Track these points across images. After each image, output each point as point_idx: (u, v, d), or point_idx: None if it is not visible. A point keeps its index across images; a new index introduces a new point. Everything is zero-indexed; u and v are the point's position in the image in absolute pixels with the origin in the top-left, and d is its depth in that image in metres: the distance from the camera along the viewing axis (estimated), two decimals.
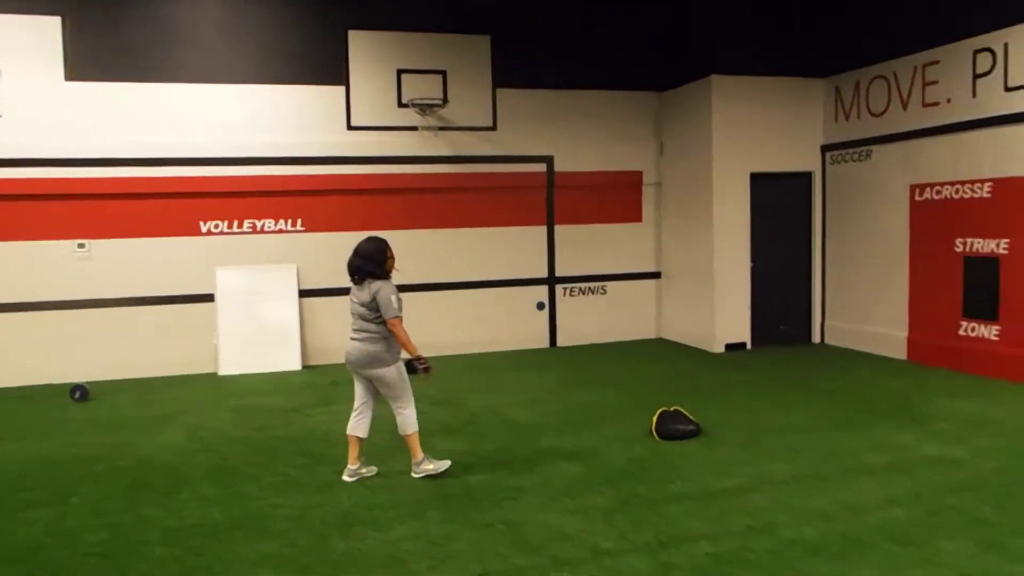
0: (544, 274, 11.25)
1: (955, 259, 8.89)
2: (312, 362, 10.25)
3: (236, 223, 9.99)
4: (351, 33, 10.17)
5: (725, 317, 10.57)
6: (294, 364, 10.00)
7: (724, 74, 10.26)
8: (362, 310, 5.51)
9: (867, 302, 10.18)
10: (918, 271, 9.40)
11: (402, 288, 10.17)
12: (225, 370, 9.74)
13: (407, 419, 5.63)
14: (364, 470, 5.76)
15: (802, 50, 10.56)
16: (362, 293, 5.51)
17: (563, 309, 11.33)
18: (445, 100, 10.36)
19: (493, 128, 10.81)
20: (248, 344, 9.85)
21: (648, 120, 11.55)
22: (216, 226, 9.93)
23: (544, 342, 11.31)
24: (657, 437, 6.41)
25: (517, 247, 11.08)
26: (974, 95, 8.56)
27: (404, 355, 5.63)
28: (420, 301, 10.65)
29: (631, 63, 11.38)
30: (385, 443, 6.56)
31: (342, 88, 10.22)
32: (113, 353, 9.61)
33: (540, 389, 8.53)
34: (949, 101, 8.87)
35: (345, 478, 5.69)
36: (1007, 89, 8.19)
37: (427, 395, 8.29)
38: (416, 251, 10.62)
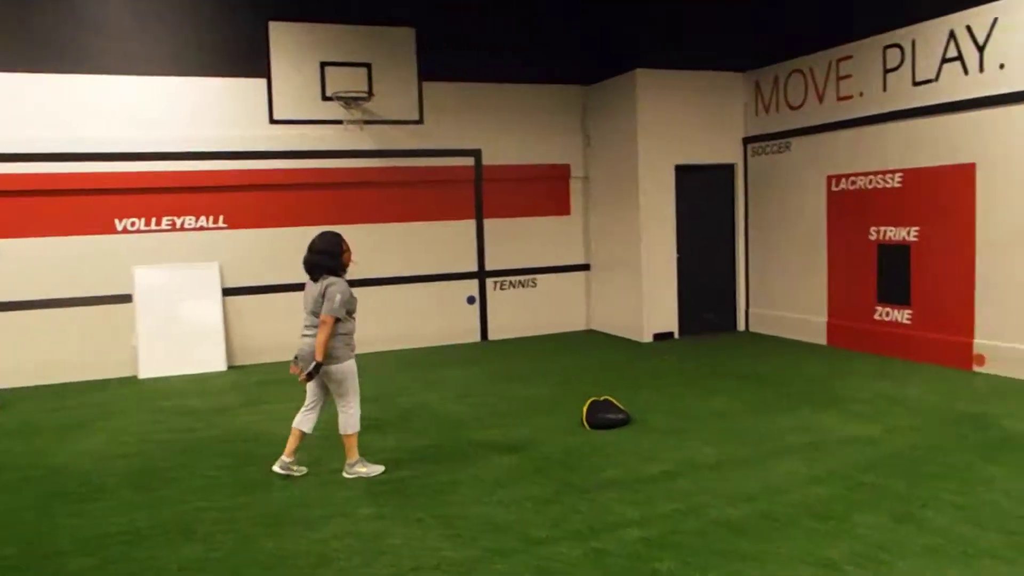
0: (474, 268, 11.25)
1: (869, 247, 9.22)
2: (238, 362, 10.04)
3: (154, 220, 9.70)
4: (272, 24, 9.95)
5: (653, 307, 10.74)
6: (219, 365, 9.77)
7: (648, 68, 10.41)
8: (314, 306, 5.41)
9: (789, 290, 10.48)
10: (836, 259, 9.72)
11: None
12: (146, 373, 9.46)
13: (350, 419, 5.56)
14: (295, 468, 5.68)
15: (723, 45, 10.78)
16: (315, 289, 5.41)
17: (494, 303, 11.35)
18: (370, 93, 10.25)
19: (420, 122, 10.74)
20: (170, 345, 9.58)
21: (575, 114, 11.64)
22: (133, 224, 9.61)
23: (475, 336, 11.31)
24: (588, 427, 6.48)
25: (446, 241, 11.05)
26: (884, 89, 8.88)
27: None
28: None
29: (557, 57, 11.45)
30: (317, 442, 6.48)
31: (263, 81, 10.01)
32: (25, 358, 9.21)
33: (472, 383, 8.53)
34: (861, 95, 9.18)
35: (275, 468, 5.62)
36: (915, 84, 8.51)
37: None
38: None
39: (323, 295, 5.33)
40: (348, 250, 5.55)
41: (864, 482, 5.05)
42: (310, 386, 5.63)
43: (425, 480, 5.46)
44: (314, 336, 5.37)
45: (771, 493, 4.93)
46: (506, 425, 6.77)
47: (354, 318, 5.54)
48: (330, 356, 5.37)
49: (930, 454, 5.55)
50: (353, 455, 5.61)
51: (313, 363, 5.31)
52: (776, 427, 6.36)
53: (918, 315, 8.68)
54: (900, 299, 8.87)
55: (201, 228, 9.92)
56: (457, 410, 7.39)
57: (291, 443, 5.63)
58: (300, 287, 10.07)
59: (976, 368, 8.02)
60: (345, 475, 5.61)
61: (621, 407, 6.66)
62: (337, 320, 5.32)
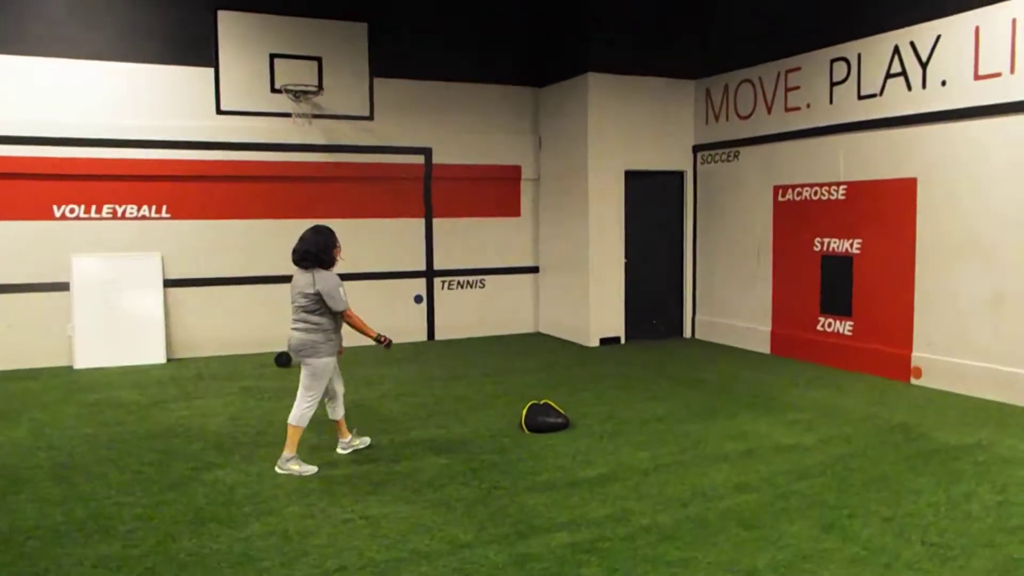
0: (422, 267, 11.16)
1: (814, 258, 9.33)
2: (178, 355, 9.83)
3: (95, 208, 9.45)
4: (221, 13, 9.77)
5: (600, 312, 10.76)
6: (158, 357, 9.55)
7: (600, 72, 10.42)
8: (304, 301, 5.48)
9: (734, 298, 10.58)
10: (780, 269, 9.83)
11: (274, 279, 10.04)
12: (81, 363, 9.20)
13: (304, 413, 5.59)
14: (357, 441, 6.03)
15: (675, 51, 10.85)
16: (304, 280, 5.48)
17: (441, 302, 11.27)
18: (320, 87, 10.11)
19: (370, 118, 10.62)
20: (107, 336, 9.34)
21: (527, 115, 11.62)
22: (72, 211, 9.36)
23: (422, 335, 11.22)
24: (526, 430, 6.44)
25: (394, 239, 10.94)
26: (831, 102, 9.00)
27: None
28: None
29: (511, 58, 11.42)
30: (249, 439, 6.36)
31: (211, 70, 9.81)
32: None
33: (413, 382, 8.45)
34: (809, 106, 9.30)
35: (339, 451, 5.95)
36: (860, 97, 8.64)
37: (296, 389, 8.06)
38: (288, 242, 10.20)
39: (317, 293, 5.41)
40: (339, 246, 5.66)
41: (795, 491, 5.09)
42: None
43: (356, 480, 5.38)
44: (303, 330, 5.49)
45: (703, 499, 4.94)
46: (443, 425, 6.71)
47: (338, 317, 5.62)
48: (314, 350, 5.49)
49: (861, 464, 5.61)
50: (292, 449, 5.56)
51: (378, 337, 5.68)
52: (713, 433, 6.39)
53: (859, 327, 8.81)
54: (842, 310, 8.99)
55: (143, 217, 9.69)
56: (394, 409, 7.30)
57: (340, 429, 5.99)
58: (243, 280, 10.08)
59: (913, 380, 8.15)
60: (277, 470, 5.54)
61: (561, 411, 6.63)
62: (335, 314, 5.52)
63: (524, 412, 6.56)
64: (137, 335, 9.50)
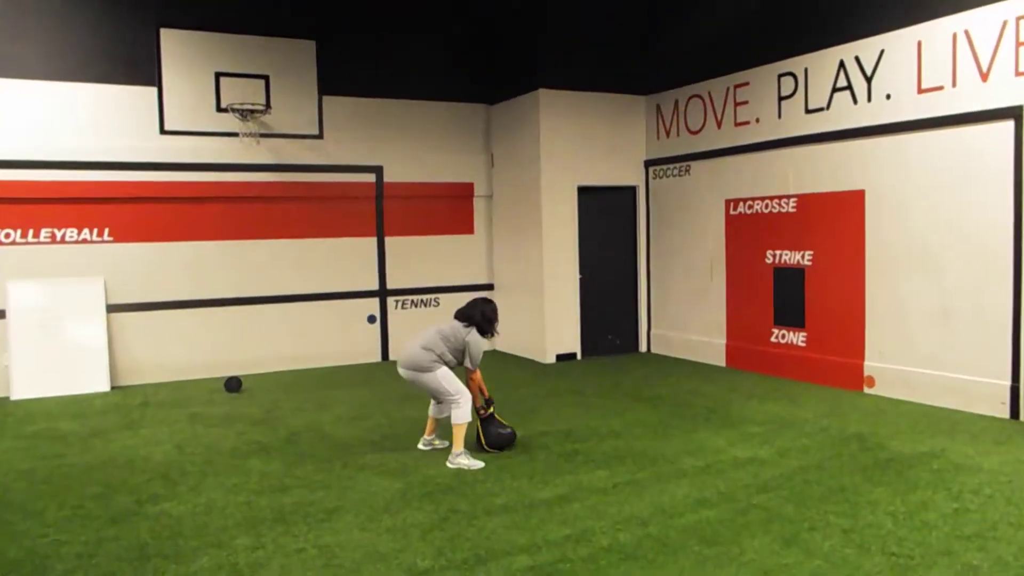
0: (375, 286, 11.00)
1: (766, 270, 9.40)
2: (122, 382, 9.52)
3: (31, 232, 9.14)
4: (164, 31, 9.57)
5: (556, 328, 10.71)
6: (101, 385, 9.24)
7: (550, 88, 10.42)
8: (446, 336, 6.16)
9: (689, 312, 10.60)
10: (734, 282, 9.88)
11: (222, 302, 9.85)
12: (18, 394, 8.86)
13: (461, 412, 6.04)
14: (437, 442, 6.45)
15: (625, 67, 10.90)
16: (453, 332, 6.19)
17: (395, 322, 11.11)
18: (268, 106, 9.95)
19: (319, 136, 10.48)
20: (46, 365, 9.01)
21: (479, 132, 11.57)
22: (7, 235, 9.04)
23: (376, 356, 11.05)
24: (487, 447, 6.32)
25: (346, 259, 10.78)
26: (779, 116, 9.10)
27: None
28: (243, 314, 10.19)
29: (461, 75, 11.38)
30: (197, 467, 6.14)
31: (154, 89, 9.59)
32: None
33: (367, 404, 8.28)
34: (758, 121, 9.39)
35: (420, 446, 6.46)
36: (807, 111, 8.75)
37: (246, 415, 7.90)
38: (238, 262, 10.13)
39: (464, 345, 6.15)
40: (497, 321, 6.35)
41: (754, 505, 5.05)
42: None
43: (309, 507, 5.20)
44: (423, 349, 6.09)
45: (662, 517, 4.87)
46: (397, 448, 6.56)
47: (458, 360, 6.25)
48: (421, 368, 6.08)
49: (819, 476, 5.60)
50: (459, 445, 5.98)
51: (481, 405, 6.39)
52: (671, 449, 6.35)
53: (813, 337, 8.88)
54: (796, 322, 9.06)
55: (84, 241, 9.41)
56: (348, 432, 7.13)
57: (429, 424, 6.48)
58: (191, 303, 9.82)
59: (867, 389, 8.23)
60: (448, 464, 5.98)
61: (505, 423, 6.53)
62: (459, 364, 6.26)
63: (478, 428, 6.43)
64: (78, 363, 9.18)
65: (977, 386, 7.24)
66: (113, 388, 9.34)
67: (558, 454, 6.28)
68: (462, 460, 5.95)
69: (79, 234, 9.37)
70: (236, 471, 6.02)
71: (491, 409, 6.39)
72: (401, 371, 6.22)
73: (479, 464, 5.95)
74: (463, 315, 6.27)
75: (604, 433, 6.89)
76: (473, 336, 6.18)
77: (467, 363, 6.21)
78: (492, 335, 6.33)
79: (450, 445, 6.14)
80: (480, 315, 6.21)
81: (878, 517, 4.79)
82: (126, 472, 6.07)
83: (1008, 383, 7.03)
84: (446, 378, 6.10)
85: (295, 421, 7.60)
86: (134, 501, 5.39)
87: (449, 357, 6.16)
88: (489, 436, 6.36)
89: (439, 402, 6.32)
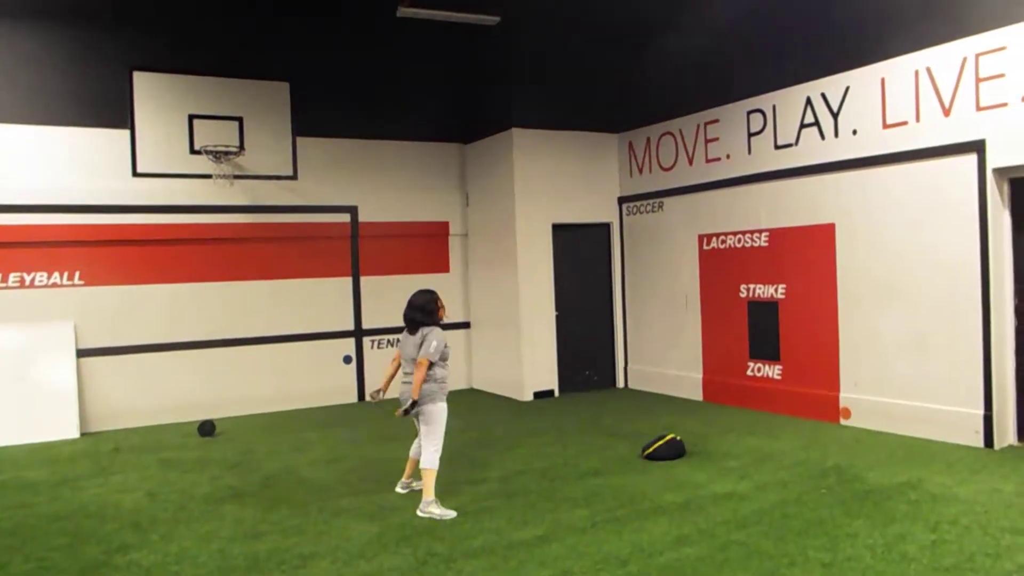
0: (351, 326, 10.94)
1: (740, 304, 9.46)
2: (93, 428, 9.35)
3: (0, 276, 9.02)
4: (136, 74, 9.57)
5: (533, 365, 10.68)
6: (70, 431, 9.06)
7: (524, 127, 10.52)
8: (413, 353, 5.98)
9: (665, 347, 10.63)
10: (709, 316, 9.93)
11: (196, 344, 9.75)
12: None
13: (431, 455, 5.93)
14: (415, 484, 6.32)
15: (597, 106, 11.03)
16: (413, 340, 6.02)
17: (372, 362, 11.03)
18: (241, 147, 9.94)
19: (294, 177, 10.48)
20: (13, 411, 8.83)
21: (454, 171, 11.63)
22: None
23: (352, 396, 10.95)
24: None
25: (322, 299, 10.72)
26: (749, 152, 9.23)
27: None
28: (217, 357, 10.08)
29: (435, 115, 11.46)
30: (169, 515, 6.02)
31: (126, 132, 9.56)
32: None
33: (343, 446, 8.18)
34: (729, 157, 9.51)
35: (398, 490, 6.38)
36: (777, 147, 8.88)
37: (220, 459, 7.77)
38: (212, 304, 10.05)
39: (422, 341, 5.92)
40: (442, 307, 6.21)
41: (733, 541, 5.02)
42: (416, 422, 6.16)
43: (284, 553, 5.11)
44: (412, 382, 5.91)
45: (642, 556, 4.83)
46: (373, 491, 6.47)
47: (447, 366, 6.08)
48: (425, 397, 5.92)
49: (797, 510, 5.59)
50: (429, 493, 5.85)
51: (410, 401, 5.88)
52: (650, 485, 6.31)
53: (788, 370, 8.92)
54: (771, 355, 9.10)
55: (54, 285, 9.29)
56: (324, 475, 7.03)
57: (408, 468, 6.41)
58: (164, 347, 9.69)
59: (843, 421, 8.26)
60: (419, 513, 5.78)
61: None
62: (431, 365, 5.91)
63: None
64: (47, 409, 9.01)
65: (951, 415, 7.29)
66: (83, 434, 9.17)
67: (537, 493, 6.23)
68: (433, 509, 5.76)
69: (49, 278, 9.26)
70: (209, 517, 5.91)
71: (414, 411, 5.93)
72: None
73: (451, 514, 5.73)
74: (409, 325, 6.07)
75: (583, 471, 6.85)
76: (427, 329, 5.97)
77: (421, 351, 5.88)
78: (440, 319, 6.12)
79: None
80: (423, 315, 6.02)
81: (857, 550, 4.78)
82: (95, 521, 5.94)
83: (981, 412, 7.09)
84: (443, 418, 6.00)
85: (270, 464, 7.48)
86: (103, 551, 5.27)
87: (437, 370, 5.99)
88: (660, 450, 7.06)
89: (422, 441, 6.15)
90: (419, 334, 5.99)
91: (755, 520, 5.40)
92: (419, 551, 5.04)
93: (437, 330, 6.00)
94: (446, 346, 6.00)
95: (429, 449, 5.93)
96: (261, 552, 5.14)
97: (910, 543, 4.87)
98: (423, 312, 6.04)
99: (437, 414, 5.96)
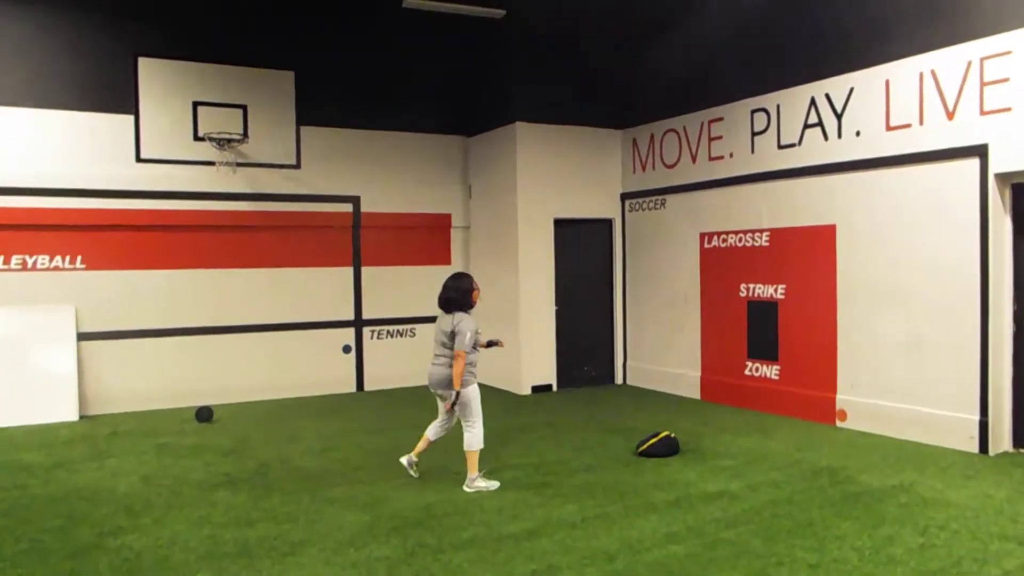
0: (351, 316, 10.96)
1: (740, 303, 9.45)
2: (92, 411, 9.40)
3: (2, 259, 9.06)
4: (141, 60, 9.59)
5: (531, 359, 10.69)
6: (70, 414, 9.11)
7: (528, 121, 10.51)
8: (443, 338, 6.19)
9: (664, 344, 10.63)
10: (708, 315, 9.92)
11: (196, 331, 9.79)
12: None
13: (474, 437, 6.18)
14: (414, 470, 6.46)
15: (601, 101, 11.02)
16: (445, 322, 6.19)
17: (370, 352, 11.07)
18: (245, 135, 9.96)
19: (297, 166, 10.49)
20: (12, 393, 8.88)
21: (457, 164, 11.63)
22: None
23: (351, 386, 10.98)
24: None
25: (322, 288, 10.75)
26: (752, 151, 9.21)
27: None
28: (217, 343, 10.11)
29: (439, 107, 11.46)
30: (163, 500, 6.05)
31: (131, 117, 9.58)
32: None
33: (338, 435, 8.21)
34: (732, 155, 9.49)
35: (401, 460, 6.56)
36: (780, 147, 8.86)
37: (216, 445, 7.81)
38: (213, 291, 10.08)
39: (454, 331, 6.08)
40: (477, 289, 6.35)
41: (722, 539, 5.03)
42: (439, 406, 6.41)
43: (274, 540, 5.13)
44: (443, 365, 6.17)
45: (630, 552, 4.84)
46: (366, 480, 6.49)
47: (478, 350, 6.23)
48: (451, 385, 6.09)
49: (788, 510, 5.60)
50: (473, 470, 6.16)
51: (454, 393, 6.07)
52: (642, 482, 6.32)
53: (786, 371, 8.91)
54: (769, 355, 9.10)
55: (56, 268, 9.33)
56: (317, 464, 7.06)
57: (420, 445, 6.49)
58: (164, 332, 9.74)
59: (839, 423, 8.25)
60: (465, 488, 6.12)
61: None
62: (465, 353, 6.07)
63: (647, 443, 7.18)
64: (46, 392, 9.06)
65: (947, 420, 7.29)
66: (81, 418, 9.22)
67: (528, 487, 6.24)
68: (479, 484, 6.13)
69: (51, 261, 9.30)
70: (202, 503, 5.94)
71: (453, 401, 6.12)
72: (433, 390, 6.32)
73: (496, 484, 6.16)
74: (444, 305, 6.27)
75: (575, 466, 6.86)
76: (459, 316, 6.15)
77: (456, 343, 6.08)
78: (473, 305, 6.30)
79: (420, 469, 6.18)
80: (459, 296, 6.21)
81: (844, 552, 4.79)
82: (89, 504, 5.97)
83: (977, 417, 7.08)
84: (476, 398, 6.20)
85: (265, 452, 7.51)
86: (95, 534, 5.30)
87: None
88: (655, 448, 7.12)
89: (446, 422, 6.40)
90: (452, 318, 6.16)
91: (745, 519, 5.41)
92: (408, 542, 5.06)
93: (468, 319, 6.15)
94: (477, 331, 6.19)
95: (472, 431, 6.16)
96: (252, 538, 5.17)
97: (898, 546, 4.88)
98: (458, 292, 6.22)
99: (471, 396, 6.17)
